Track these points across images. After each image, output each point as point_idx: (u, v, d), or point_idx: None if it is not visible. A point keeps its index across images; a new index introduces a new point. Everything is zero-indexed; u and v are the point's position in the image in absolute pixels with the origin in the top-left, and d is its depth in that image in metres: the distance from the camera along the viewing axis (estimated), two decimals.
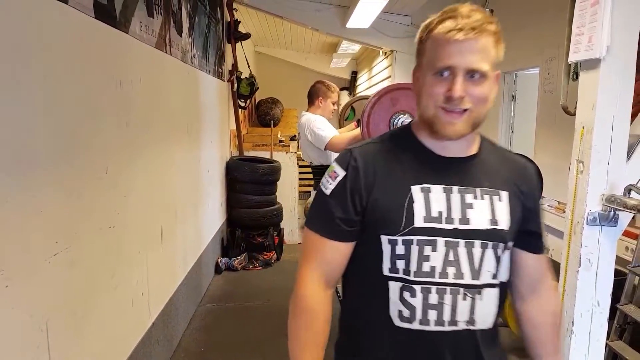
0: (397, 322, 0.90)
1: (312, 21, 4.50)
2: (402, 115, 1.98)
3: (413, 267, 0.88)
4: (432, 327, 0.89)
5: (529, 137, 3.18)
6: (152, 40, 2.21)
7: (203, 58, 3.40)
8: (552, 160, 2.72)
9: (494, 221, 0.91)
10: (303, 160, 3.34)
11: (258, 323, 3.04)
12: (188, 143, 3.02)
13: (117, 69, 1.81)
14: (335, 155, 2.82)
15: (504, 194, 0.93)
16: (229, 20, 4.46)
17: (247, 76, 4.73)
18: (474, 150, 0.95)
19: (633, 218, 1.53)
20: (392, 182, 0.91)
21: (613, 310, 1.78)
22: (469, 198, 0.91)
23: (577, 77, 1.49)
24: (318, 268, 0.95)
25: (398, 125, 1.94)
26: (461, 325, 0.89)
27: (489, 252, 0.90)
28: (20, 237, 1.22)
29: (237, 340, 2.85)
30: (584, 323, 1.41)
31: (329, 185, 0.94)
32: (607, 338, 1.59)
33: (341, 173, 0.93)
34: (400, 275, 0.89)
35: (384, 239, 0.90)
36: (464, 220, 0.89)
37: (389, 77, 5.09)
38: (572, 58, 1.41)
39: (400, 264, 0.89)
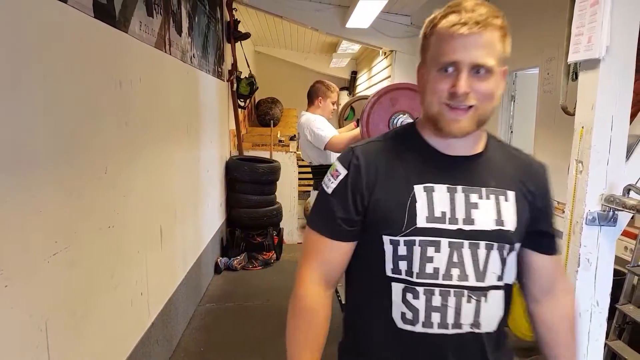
0: (400, 325, 0.88)
1: (312, 21, 4.50)
2: (401, 115, 1.98)
3: (415, 268, 0.86)
4: (435, 330, 0.87)
5: (529, 137, 3.18)
6: (151, 39, 2.21)
7: (203, 58, 3.40)
8: (551, 160, 2.70)
9: (499, 222, 0.88)
10: (302, 160, 3.34)
11: (257, 323, 3.05)
12: (187, 143, 3.02)
13: (117, 69, 1.81)
14: (334, 155, 2.83)
15: (511, 194, 0.91)
16: (228, 19, 4.46)
17: (247, 76, 4.72)
18: (479, 148, 0.93)
19: (632, 218, 1.53)
20: (395, 181, 0.89)
21: (612, 310, 1.78)
22: (474, 198, 0.88)
23: (576, 77, 1.49)
24: (318, 268, 0.94)
25: (397, 125, 1.94)
26: (465, 329, 0.87)
27: (494, 254, 0.88)
28: (19, 237, 1.21)
29: (237, 340, 2.85)
30: (583, 323, 1.41)
31: (330, 184, 0.94)
32: (606, 338, 1.59)
33: (343, 172, 0.92)
34: (403, 276, 0.87)
35: (386, 239, 0.88)
36: (469, 220, 0.87)
37: (389, 77, 5.08)
38: (572, 58, 1.41)
39: (403, 265, 0.87)
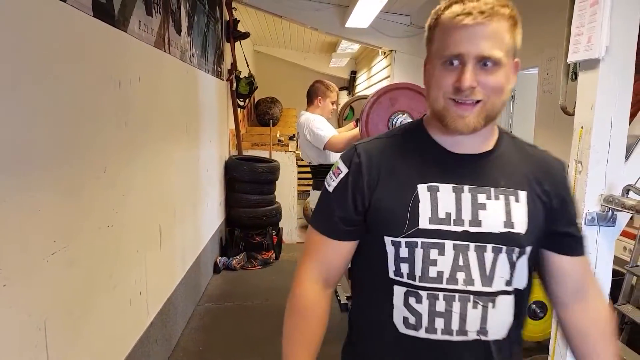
0: (402, 329, 0.84)
1: (312, 20, 4.49)
2: (401, 115, 1.98)
3: (418, 271, 0.82)
4: (439, 336, 0.82)
5: (528, 137, 3.18)
6: (150, 39, 2.21)
7: (202, 57, 3.39)
8: None
9: (508, 224, 0.83)
10: (302, 160, 3.34)
11: (257, 322, 3.04)
12: (187, 142, 3.02)
13: (116, 68, 1.81)
14: (334, 155, 2.83)
15: (522, 194, 0.85)
16: (228, 19, 4.46)
17: (246, 75, 4.72)
18: (490, 145, 0.88)
19: (631, 218, 1.53)
20: (398, 180, 0.86)
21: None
22: (481, 198, 0.83)
23: (576, 77, 1.49)
24: (316, 266, 0.92)
25: (397, 125, 1.94)
26: (471, 336, 0.82)
27: (502, 257, 0.83)
28: (18, 236, 1.21)
29: (236, 340, 2.85)
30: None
31: (331, 182, 0.91)
32: None
33: (344, 170, 0.90)
34: (405, 279, 0.84)
35: (388, 240, 0.85)
36: (475, 222, 0.82)
37: (388, 76, 5.08)
38: (571, 58, 1.41)
39: (404, 268, 0.84)
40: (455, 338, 0.82)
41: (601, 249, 1.37)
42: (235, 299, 3.48)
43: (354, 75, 8.07)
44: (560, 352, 1.46)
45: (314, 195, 2.98)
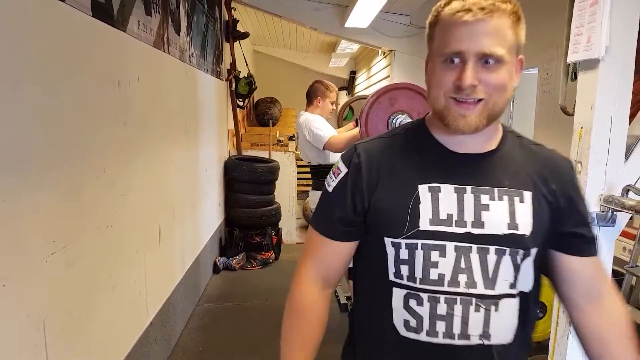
0: (403, 332, 0.83)
1: (311, 20, 4.49)
2: (400, 115, 1.98)
3: (418, 273, 0.81)
4: (440, 340, 0.81)
5: (528, 137, 3.18)
6: (150, 39, 2.20)
7: (201, 57, 3.39)
8: None
9: (512, 225, 0.81)
10: (301, 160, 3.34)
11: (256, 323, 3.04)
12: (186, 142, 3.01)
13: (115, 68, 1.81)
14: (333, 155, 2.83)
15: (527, 194, 0.83)
16: (227, 19, 4.45)
17: (246, 75, 4.72)
18: (493, 145, 0.86)
19: (631, 218, 1.53)
20: (398, 180, 0.84)
21: None
22: (484, 199, 0.81)
23: (575, 78, 1.49)
24: (315, 266, 0.92)
25: (396, 125, 1.94)
26: (474, 340, 0.80)
27: (506, 259, 0.81)
28: (17, 236, 1.21)
29: (235, 340, 2.84)
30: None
31: (331, 182, 0.90)
32: None
33: (343, 170, 0.89)
34: (405, 282, 0.82)
35: (388, 241, 0.83)
36: (478, 223, 0.80)
37: (388, 76, 5.08)
38: (571, 58, 1.41)
39: (405, 270, 0.82)
40: (457, 342, 0.81)
41: (601, 249, 1.37)
42: (235, 299, 3.47)
43: (353, 75, 8.07)
44: (560, 352, 1.46)
45: (314, 196, 2.98)
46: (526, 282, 0.84)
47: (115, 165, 1.79)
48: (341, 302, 3.11)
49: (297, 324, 0.91)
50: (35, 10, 1.29)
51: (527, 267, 0.83)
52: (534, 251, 0.83)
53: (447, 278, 0.80)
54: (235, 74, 4.58)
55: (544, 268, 0.89)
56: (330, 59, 7.61)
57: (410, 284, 0.82)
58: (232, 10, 4.48)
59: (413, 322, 0.82)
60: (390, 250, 0.83)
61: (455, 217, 0.81)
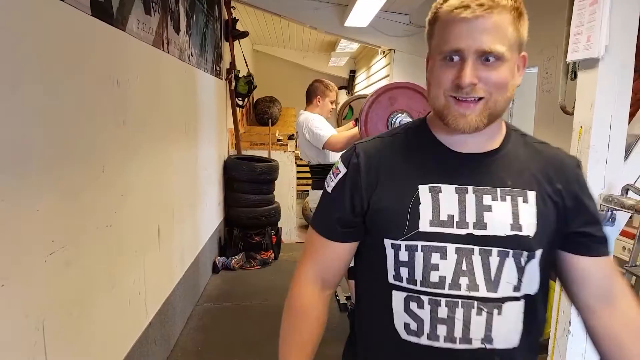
0: (404, 335, 0.81)
1: (311, 20, 4.49)
2: (400, 115, 1.98)
3: (419, 276, 0.79)
4: (441, 344, 0.79)
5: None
6: (149, 38, 2.20)
7: (201, 56, 3.39)
8: None
9: (516, 226, 0.79)
10: (301, 160, 3.34)
11: (256, 322, 3.04)
12: (185, 142, 3.01)
13: (114, 67, 1.81)
14: (333, 154, 2.82)
15: (531, 195, 0.81)
16: (226, 18, 4.45)
17: (245, 74, 4.72)
18: (496, 144, 0.84)
19: (630, 218, 1.53)
20: (398, 180, 0.83)
21: None
22: (487, 199, 0.79)
23: (575, 77, 1.49)
24: (314, 267, 0.91)
25: (396, 125, 1.93)
26: (476, 344, 0.78)
27: (509, 262, 0.78)
28: (16, 236, 1.21)
29: (235, 340, 2.84)
30: (581, 323, 1.41)
31: (330, 182, 0.89)
32: None
33: (342, 170, 0.87)
34: (404, 284, 0.81)
35: (387, 243, 0.82)
36: (480, 224, 0.79)
37: (387, 76, 5.08)
38: (571, 57, 1.41)
39: (404, 272, 0.80)
40: (458, 346, 0.79)
41: None
42: (234, 299, 3.47)
43: (353, 74, 8.07)
44: (560, 352, 1.46)
45: (313, 195, 2.97)
46: (531, 285, 0.81)
47: (115, 165, 1.79)
48: (341, 302, 3.11)
49: (295, 324, 0.91)
50: (35, 9, 1.28)
51: (532, 269, 0.81)
52: (538, 252, 0.80)
53: (448, 280, 0.78)
54: (235, 73, 4.58)
55: (552, 269, 0.87)
56: (329, 58, 7.61)
57: (411, 286, 0.80)
58: (232, 9, 4.48)
59: (414, 326, 0.80)
60: (389, 252, 0.82)
61: (456, 218, 0.79)
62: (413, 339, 0.81)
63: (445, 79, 0.77)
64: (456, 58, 0.76)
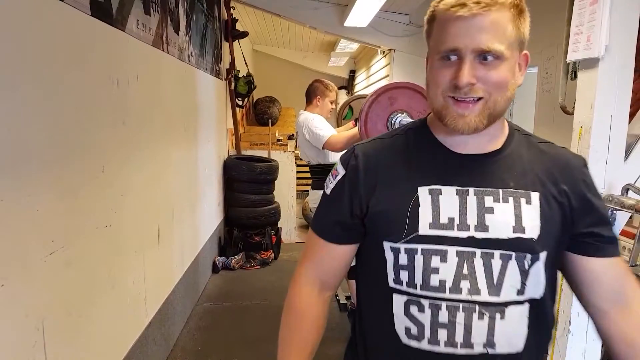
0: (405, 340, 0.80)
1: (310, 19, 4.49)
2: (400, 114, 1.97)
3: (419, 279, 0.77)
4: (442, 349, 0.77)
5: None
6: (149, 38, 2.20)
7: (200, 56, 3.39)
8: None
9: (518, 228, 0.76)
10: (301, 160, 3.34)
11: (255, 322, 3.04)
12: (185, 142, 3.01)
13: (114, 67, 1.80)
14: (333, 154, 2.82)
15: (535, 196, 0.78)
16: (226, 18, 4.45)
17: (245, 75, 4.71)
18: (498, 144, 0.82)
19: (630, 217, 1.53)
20: (397, 182, 0.81)
21: None
22: (488, 201, 0.77)
23: (575, 77, 1.49)
24: (313, 269, 0.90)
25: (396, 125, 1.93)
26: (477, 349, 0.76)
27: (512, 265, 0.76)
28: (16, 236, 1.21)
29: (235, 340, 2.84)
30: (581, 322, 1.41)
31: (329, 184, 0.88)
32: None
33: (341, 172, 0.86)
34: (404, 288, 0.79)
35: (387, 245, 0.80)
36: (482, 227, 0.76)
37: (387, 76, 5.08)
38: (571, 57, 1.41)
39: (404, 276, 0.79)
40: (459, 351, 0.77)
41: None
42: (234, 299, 3.47)
43: (352, 74, 8.07)
44: (560, 351, 1.46)
45: (313, 195, 2.97)
46: (536, 288, 0.79)
47: (114, 165, 1.79)
48: (341, 302, 3.11)
49: (293, 326, 0.90)
50: (34, 9, 1.28)
51: (537, 272, 0.78)
52: (543, 255, 0.78)
53: (449, 284, 0.76)
54: (235, 73, 4.58)
55: (561, 271, 0.85)
56: (329, 58, 7.61)
57: (411, 290, 0.79)
58: (231, 9, 4.47)
59: (414, 330, 0.79)
60: (389, 255, 0.80)
61: (457, 221, 0.77)
62: (414, 343, 0.79)
63: (443, 79, 0.76)
64: (454, 57, 0.75)
